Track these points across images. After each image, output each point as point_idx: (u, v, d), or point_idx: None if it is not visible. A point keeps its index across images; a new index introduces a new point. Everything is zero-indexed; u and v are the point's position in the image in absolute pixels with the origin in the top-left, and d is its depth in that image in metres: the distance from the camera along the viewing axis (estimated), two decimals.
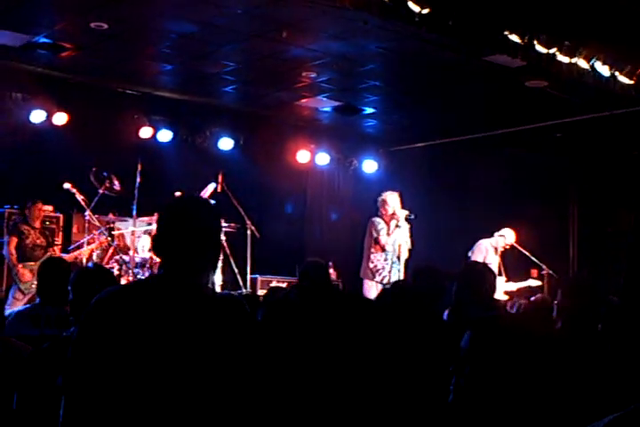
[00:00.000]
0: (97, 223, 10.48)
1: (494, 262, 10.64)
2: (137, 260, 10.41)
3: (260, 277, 11.61)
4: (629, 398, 1.42)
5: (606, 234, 11.99)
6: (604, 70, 8.82)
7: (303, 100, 11.75)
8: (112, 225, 10.80)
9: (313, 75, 10.38)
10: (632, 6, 7.86)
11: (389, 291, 4.43)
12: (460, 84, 10.44)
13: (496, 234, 10.92)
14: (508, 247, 10.91)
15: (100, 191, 10.43)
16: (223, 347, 2.56)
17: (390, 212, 10.12)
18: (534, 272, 11.35)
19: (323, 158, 13.62)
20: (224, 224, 10.84)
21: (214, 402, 2.50)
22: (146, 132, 11.68)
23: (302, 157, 13.33)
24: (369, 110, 12.23)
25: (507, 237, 10.88)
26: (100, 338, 2.52)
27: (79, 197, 10.26)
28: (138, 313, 2.55)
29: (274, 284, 10.97)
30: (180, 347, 2.51)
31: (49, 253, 9.91)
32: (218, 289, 10.80)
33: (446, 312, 5.62)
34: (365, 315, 2.54)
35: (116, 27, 8.79)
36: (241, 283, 11.18)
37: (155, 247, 2.82)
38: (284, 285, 9.94)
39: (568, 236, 12.70)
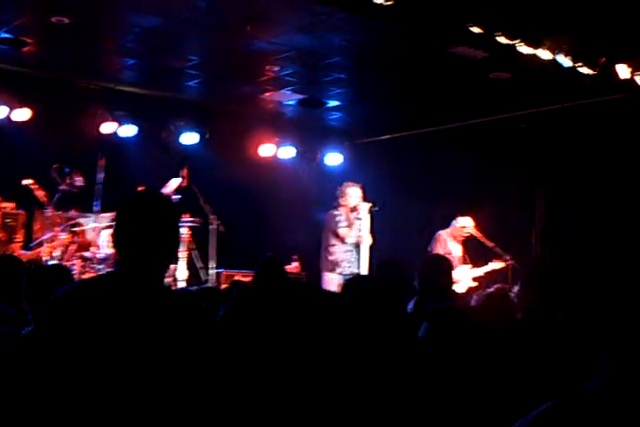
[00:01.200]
0: (59, 220, 10.38)
1: (456, 251, 10.67)
2: (99, 256, 10.32)
3: (224, 272, 11.58)
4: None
5: (570, 223, 12.07)
6: (566, 61, 8.87)
7: (267, 94, 11.72)
8: (74, 221, 10.69)
9: (277, 68, 10.35)
10: None
11: (351, 283, 4.42)
12: (424, 77, 10.46)
13: (452, 223, 10.94)
14: (467, 235, 10.91)
15: (62, 187, 10.33)
16: (177, 343, 2.54)
17: (351, 204, 10.07)
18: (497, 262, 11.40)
19: (287, 152, 13.60)
20: (188, 219, 10.81)
21: (171, 398, 2.48)
22: (109, 128, 11.59)
23: (267, 150, 13.30)
24: (333, 103, 12.23)
25: (463, 225, 10.88)
26: (57, 336, 2.50)
27: (39, 194, 10.15)
28: (93, 311, 2.53)
29: (238, 278, 10.95)
30: (134, 344, 2.48)
31: (7, 251, 9.80)
32: (182, 284, 10.77)
33: (411, 304, 5.64)
34: (322, 308, 2.53)
35: (77, 21, 8.69)
36: (205, 277, 11.14)
37: (114, 243, 2.80)
38: (248, 279, 9.90)
39: (532, 225, 12.76)
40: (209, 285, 10.70)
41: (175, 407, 2.47)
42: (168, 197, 2.96)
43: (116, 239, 2.76)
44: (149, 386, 2.46)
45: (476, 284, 10.47)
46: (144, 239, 2.68)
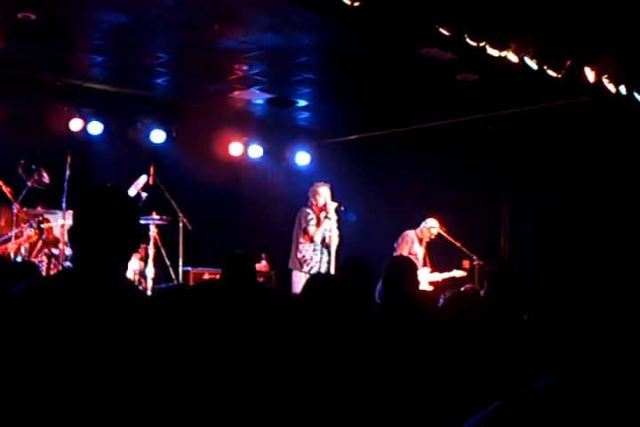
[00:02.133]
0: (25, 216, 10.31)
1: (419, 253, 10.75)
2: (67, 253, 10.27)
3: (192, 270, 11.56)
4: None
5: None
6: (532, 64, 8.94)
7: (236, 93, 11.71)
8: (41, 218, 10.62)
9: (246, 67, 10.35)
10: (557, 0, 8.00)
11: (315, 281, 4.43)
12: (392, 77, 10.51)
13: (421, 224, 11.02)
14: (433, 237, 11.00)
15: (29, 184, 10.25)
16: (129, 343, 2.51)
17: (321, 203, 10.14)
18: (466, 263, 11.47)
19: (255, 151, 13.60)
20: (155, 217, 10.78)
21: (124, 397, 2.46)
22: (76, 125, 11.53)
23: (235, 149, 13.29)
24: (302, 103, 12.24)
25: (431, 227, 10.97)
26: (10, 334, 2.47)
27: (5, 190, 10.08)
28: (48, 309, 2.49)
29: (206, 276, 10.94)
30: (87, 343, 2.46)
31: None
32: (150, 282, 10.74)
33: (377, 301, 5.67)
34: (283, 309, 2.55)
35: (44, 17, 8.63)
36: (173, 276, 11.12)
37: (70, 240, 2.76)
38: (217, 277, 9.89)
39: (500, 227, 12.85)
40: (177, 283, 10.68)
41: (132, 403, 2.46)
42: (125, 191, 2.89)
43: (72, 235, 2.72)
44: (105, 384, 2.44)
45: (431, 288, 10.54)
46: (100, 235, 2.64)
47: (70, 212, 10.47)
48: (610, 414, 1.33)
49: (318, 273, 8.62)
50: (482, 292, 5.13)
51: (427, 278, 10.62)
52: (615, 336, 1.37)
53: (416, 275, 5.84)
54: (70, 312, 2.49)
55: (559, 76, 9.16)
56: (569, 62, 9.13)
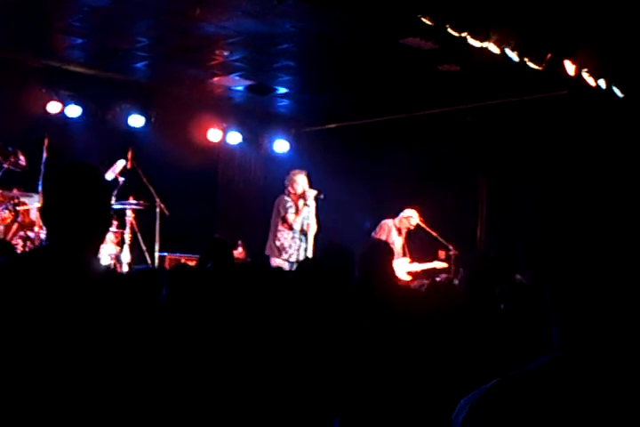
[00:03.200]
0: (1, 198, 10.23)
1: (397, 243, 10.76)
2: (42, 236, 10.20)
3: (168, 255, 11.52)
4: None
5: (513, 216, 12.20)
6: (513, 56, 8.96)
7: (216, 79, 11.66)
8: (16, 200, 10.54)
9: (226, 53, 10.31)
10: None
11: (302, 266, 4.43)
12: (373, 67, 10.49)
13: (400, 214, 11.02)
14: (412, 228, 11.01)
15: (5, 166, 10.17)
16: (99, 325, 2.48)
17: (299, 191, 10.13)
18: (442, 253, 11.48)
19: (234, 137, 13.56)
20: (132, 201, 10.73)
21: (97, 382, 2.42)
22: (54, 107, 11.46)
23: (214, 135, 13.24)
24: (282, 90, 12.21)
25: (410, 217, 10.97)
26: None
27: None
28: (17, 286, 2.46)
29: (183, 262, 10.91)
30: (55, 325, 2.43)
31: None
32: (126, 267, 10.70)
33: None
34: (277, 291, 2.53)
35: None
36: (149, 261, 11.08)
37: (42, 218, 2.73)
38: (193, 263, 9.87)
39: (476, 217, 12.90)
40: (149, 266, 10.64)
41: (105, 387, 2.43)
42: (96, 169, 2.82)
43: (44, 214, 2.69)
44: (73, 368, 2.41)
45: (409, 278, 10.56)
46: (70, 213, 2.61)
47: None
48: (606, 392, 1.35)
49: (306, 259, 8.60)
50: (456, 281, 5.15)
51: (405, 269, 10.63)
52: (611, 320, 1.40)
53: (391, 260, 5.85)
54: (40, 291, 2.45)
55: (540, 68, 9.19)
56: (549, 55, 9.16)
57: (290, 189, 10.19)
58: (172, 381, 2.48)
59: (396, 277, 7.53)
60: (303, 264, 4.59)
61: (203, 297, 2.45)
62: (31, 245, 10.08)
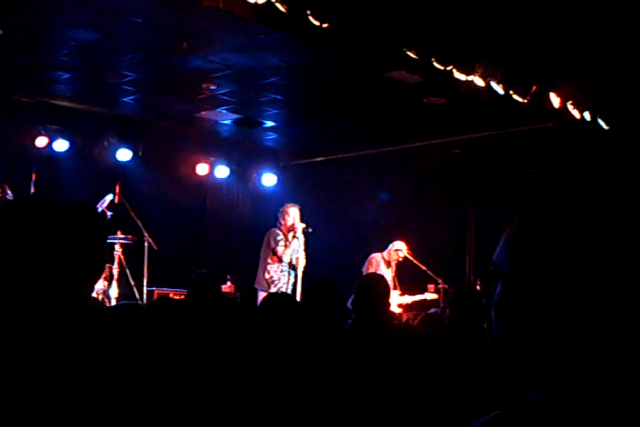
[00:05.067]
0: None
1: (387, 275, 10.75)
2: None
3: (156, 290, 11.46)
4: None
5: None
6: (499, 89, 9.03)
7: (203, 113, 11.69)
8: None
9: (213, 87, 10.34)
10: (522, 27, 8.09)
11: (273, 299, 4.40)
12: (360, 100, 10.54)
13: (389, 247, 11.03)
14: (401, 260, 11.02)
15: None
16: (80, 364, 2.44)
17: (289, 223, 10.18)
18: (431, 287, 11.47)
19: (222, 171, 13.56)
20: (121, 236, 10.70)
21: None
22: (41, 142, 11.45)
23: (201, 169, 13.24)
24: (269, 124, 12.24)
25: (398, 250, 10.98)
26: None
27: None
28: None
29: (171, 296, 10.85)
30: (37, 363, 2.39)
31: None
32: (114, 302, 10.63)
33: (346, 325, 5.66)
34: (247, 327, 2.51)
35: (12, 33, 8.58)
36: (137, 296, 11.02)
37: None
38: (181, 297, 9.82)
39: (465, 250, 12.90)
40: (134, 302, 10.57)
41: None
42: (93, 206, 2.77)
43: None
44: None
45: (400, 310, 10.54)
46: (66, 251, 2.59)
47: None
48: None
49: (276, 292, 8.62)
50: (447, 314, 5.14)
51: (396, 301, 10.62)
52: (598, 354, 1.35)
53: (388, 293, 5.84)
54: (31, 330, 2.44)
55: (525, 101, 9.26)
56: (534, 88, 9.23)
57: (281, 221, 10.23)
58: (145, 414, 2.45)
59: (392, 311, 7.53)
60: (273, 297, 4.56)
61: (174, 330, 2.42)
62: None
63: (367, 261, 10.93)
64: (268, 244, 10.23)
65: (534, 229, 1.52)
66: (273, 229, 10.28)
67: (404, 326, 5.56)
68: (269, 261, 10.15)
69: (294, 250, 10.17)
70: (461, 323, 4.44)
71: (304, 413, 3.26)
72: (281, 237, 10.17)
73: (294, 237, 10.15)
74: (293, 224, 10.16)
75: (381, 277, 6.40)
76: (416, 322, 5.68)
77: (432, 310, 6.94)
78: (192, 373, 2.24)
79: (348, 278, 6.97)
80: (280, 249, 10.10)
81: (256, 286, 10.21)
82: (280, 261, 10.11)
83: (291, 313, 3.86)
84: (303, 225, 10.18)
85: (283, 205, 10.49)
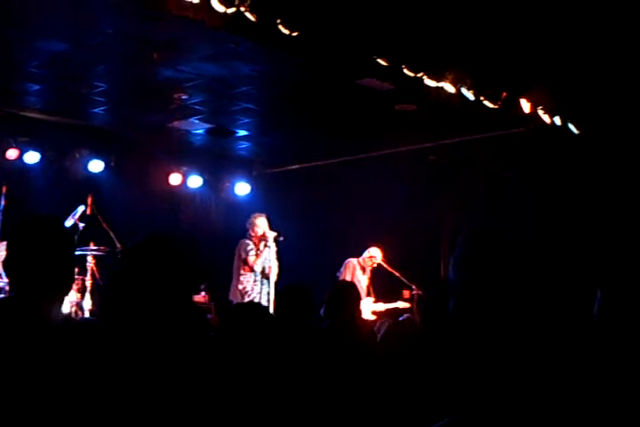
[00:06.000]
0: None
1: (363, 282, 10.77)
2: (0, 284, 10.05)
3: None
4: None
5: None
6: (469, 95, 9.07)
7: (175, 123, 11.66)
8: None
9: (185, 96, 10.32)
10: (492, 33, 8.14)
11: (240, 310, 4.38)
12: (332, 107, 10.55)
13: (364, 253, 11.06)
14: (375, 266, 11.04)
15: None
16: (58, 376, 2.44)
17: (260, 233, 10.17)
18: (406, 293, 11.49)
19: (195, 181, 13.53)
20: (93, 247, 10.63)
21: None
22: (11, 154, 11.37)
23: (174, 179, 13.20)
24: (242, 133, 12.23)
25: (372, 256, 11.01)
26: None
27: None
28: None
29: None
30: (15, 375, 2.38)
31: None
32: (87, 314, 10.55)
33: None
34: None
35: None
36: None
37: (5, 269, 2.72)
38: None
39: (440, 256, 12.92)
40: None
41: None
42: (59, 220, 2.83)
43: (7, 265, 2.67)
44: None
45: (374, 317, 10.54)
46: (35, 265, 2.60)
47: (4, 243, 10.29)
48: None
49: (243, 302, 8.61)
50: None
51: (370, 308, 10.63)
52: None
53: (358, 299, 5.84)
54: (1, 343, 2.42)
55: (496, 106, 9.30)
56: (505, 94, 9.28)
57: (251, 232, 10.24)
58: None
59: (362, 318, 7.53)
60: (239, 307, 4.54)
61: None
62: None
63: (344, 265, 10.97)
64: (239, 255, 10.25)
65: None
66: (243, 240, 10.29)
67: (373, 335, 5.57)
68: (242, 271, 10.16)
69: (266, 259, 10.16)
70: (432, 329, 4.44)
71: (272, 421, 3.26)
72: (251, 246, 10.17)
73: (266, 246, 10.15)
74: (264, 233, 10.16)
75: (352, 285, 6.40)
76: (384, 332, 5.70)
77: (403, 317, 6.92)
78: (162, 386, 2.24)
79: (323, 286, 6.96)
80: (251, 259, 10.11)
81: (231, 297, 10.20)
82: (252, 270, 10.11)
83: (258, 322, 3.85)
84: (274, 234, 10.18)
85: (250, 216, 10.49)
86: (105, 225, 10.87)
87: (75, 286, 10.62)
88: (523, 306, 1.52)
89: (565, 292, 1.57)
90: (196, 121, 11.56)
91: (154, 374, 2.47)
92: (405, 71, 8.47)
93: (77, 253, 10.43)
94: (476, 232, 1.84)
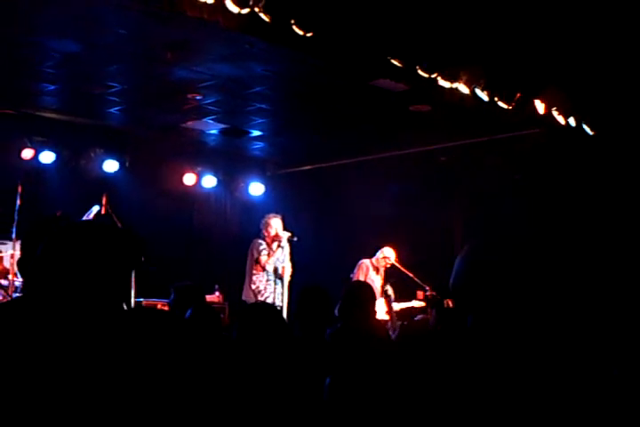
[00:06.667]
0: None
1: (376, 282, 10.76)
2: (16, 284, 10.09)
3: (144, 301, 11.42)
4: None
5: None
6: (483, 95, 9.05)
7: (189, 123, 11.68)
8: None
9: (199, 97, 10.33)
10: (506, 33, 8.12)
11: (253, 309, 4.38)
12: (346, 108, 10.55)
13: (377, 253, 11.05)
14: (389, 266, 11.03)
15: None
16: (81, 377, 2.42)
17: (273, 233, 10.19)
18: (420, 294, 11.47)
19: (209, 181, 13.55)
20: None
21: None
22: (27, 154, 11.41)
23: (188, 179, 13.22)
24: (256, 133, 12.24)
25: (386, 257, 11.00)
26: None
27: None
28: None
29: (159, 307, 10.82)
30: (35, 377, 2.37)
31: None
32: None
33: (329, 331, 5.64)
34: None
35: None
36: (125, 307, 10.96)
37: (20, 269, 2.67)
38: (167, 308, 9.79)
39: (453, 256, 12.90)
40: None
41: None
42: (90, 225, 2.74)
43: (22, 266, 2.64)
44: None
45: (388, 317, 10.53)
46: (50, 267, 2.55)
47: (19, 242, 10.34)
48: None
49: (256, 302, 8.61)
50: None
51: (384, 308, 10.61)
52: None
53: (373, 300, 5.83)
54: (20, 344, 2.40)
55: (510, 107, 9.28)
56: (519, 94, 9.26)
57: (264, 232, 10.26)
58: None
59: (377, 318, 7.51)
60: (251, 308, 4.54)
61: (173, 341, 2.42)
62: (4, 294, 9.96)
63: (357, 266, 10.96)
64: (252, 254, 10.28)
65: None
66: (255, 240, 10.31)
67: (384, 336, 5.57)
68: (254, 271, 10.19)
69: (278, 259, 10.18)
70: (445, 329, 4.44)
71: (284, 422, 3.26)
72: (264, 246, 10.19)
73: (279, 246, 10.17)
74: (277, 234, 10.18)
75: (367, 285, 6.40)
76: (399, 332, 5.69)
77: (418, 317, 6.92)
78: (175, 385, 2.24)
79: (337, 287, 6.95)
80: (263, 258, 10.13)
81: (243, 297, 10.22)
82: (264, 269, 10.13)
83: (271, 323, 3.85)
84: (288, 234, 10.19)
85: (264, 216, 10.50)
86: (119, 225, 10.89)
87: None
88: (535, 309, 1.50)
89: (579, 292, 1.56)
90: (211, 121, 11.58)
91: (161, 372, 2.47)
92: (419, 72, 8.46)
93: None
94: (482, 241, 1.88)
